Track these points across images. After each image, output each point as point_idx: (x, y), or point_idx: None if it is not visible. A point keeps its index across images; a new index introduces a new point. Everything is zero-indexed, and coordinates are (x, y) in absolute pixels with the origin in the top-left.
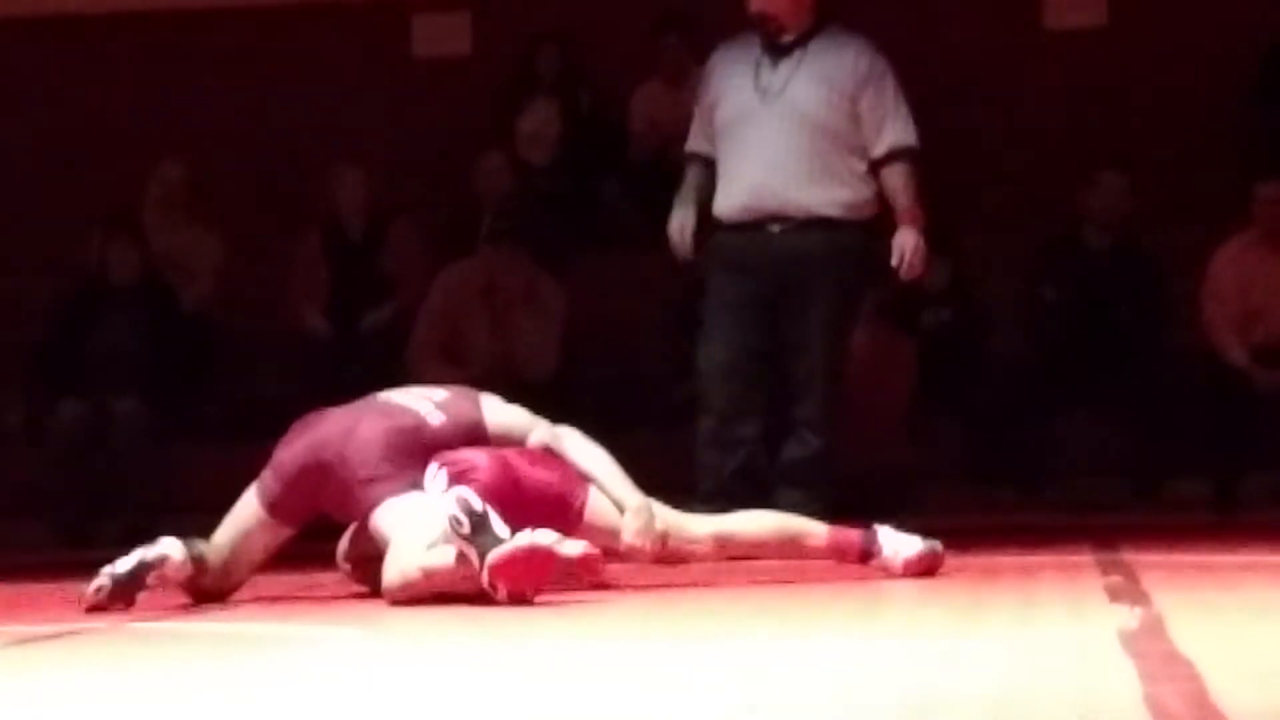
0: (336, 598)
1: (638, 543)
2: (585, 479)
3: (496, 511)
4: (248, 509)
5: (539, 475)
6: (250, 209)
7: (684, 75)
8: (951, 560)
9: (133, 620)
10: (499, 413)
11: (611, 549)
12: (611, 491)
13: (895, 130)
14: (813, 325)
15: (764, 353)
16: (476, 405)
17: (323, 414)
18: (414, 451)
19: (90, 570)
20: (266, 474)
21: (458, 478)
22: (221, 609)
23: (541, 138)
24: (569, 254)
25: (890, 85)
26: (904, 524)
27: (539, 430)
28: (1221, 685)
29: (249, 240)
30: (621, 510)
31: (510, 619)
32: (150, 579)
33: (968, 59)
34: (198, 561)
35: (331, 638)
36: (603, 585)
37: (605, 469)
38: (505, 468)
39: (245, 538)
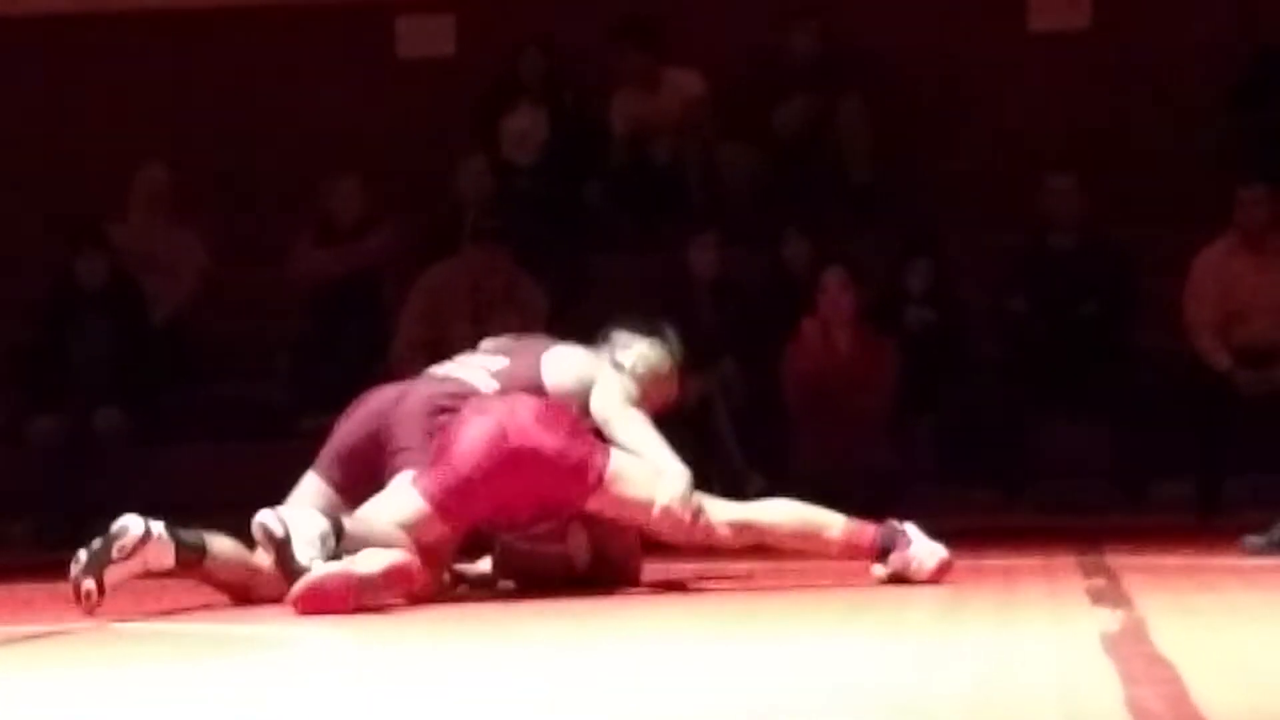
0: None
1: (674, 506)
2: (609, 447)
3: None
4: (311, 495)
5: (550, 443)
6: (233, 210)
7: (653, 80)
8: None
9: (117, 620)
10: (559, 375)
11: (640, 523)
12: (652, 460)
13: None
14: None
15: None
16: (537, 370)
17: (376, 390)
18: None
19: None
20: (324, 455)
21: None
22: (203, 609)
23: (527, 139)
24: (551, 255)
25: None
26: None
27: (598, 401)
28: (1202, 688)
29: (232, 241)
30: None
31: (495, 618)
32: (114, 551)
33: (954, 60)
34: (187, 549)
35: (311, 638)
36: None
37: (649, 445)
38: (497, 444)
39: None
